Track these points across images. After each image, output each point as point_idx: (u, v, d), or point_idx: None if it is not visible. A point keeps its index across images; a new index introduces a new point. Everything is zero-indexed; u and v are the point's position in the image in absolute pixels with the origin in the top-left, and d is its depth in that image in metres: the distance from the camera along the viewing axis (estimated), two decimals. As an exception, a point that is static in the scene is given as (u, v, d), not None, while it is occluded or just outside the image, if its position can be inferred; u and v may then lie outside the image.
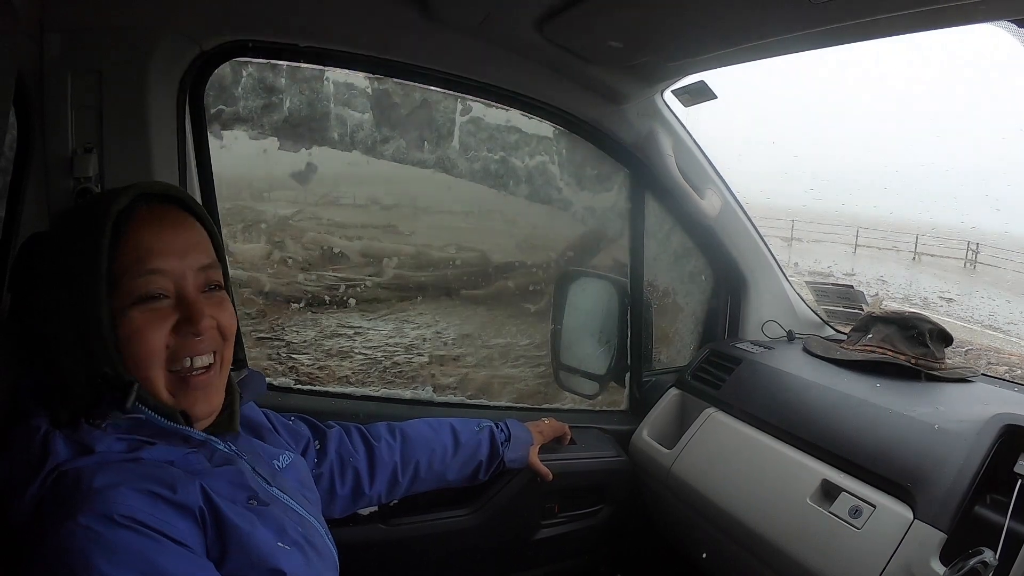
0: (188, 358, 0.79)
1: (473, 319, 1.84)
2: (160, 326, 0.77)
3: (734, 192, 1.69)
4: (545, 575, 1.66)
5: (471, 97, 1.59)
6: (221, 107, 1.45)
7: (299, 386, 1.62)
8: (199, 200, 1.38)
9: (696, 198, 1.61)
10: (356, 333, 2.37)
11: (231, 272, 1.61)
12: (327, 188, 1.62)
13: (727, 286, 1.86)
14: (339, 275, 1.74)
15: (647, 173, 1.66)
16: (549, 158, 1.69)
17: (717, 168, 1.67)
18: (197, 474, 0.78)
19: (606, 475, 1.68)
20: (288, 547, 0.80)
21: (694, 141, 1.65)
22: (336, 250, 1.69)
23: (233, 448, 0.87)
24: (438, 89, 1.54)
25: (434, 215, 1.83)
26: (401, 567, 1.47)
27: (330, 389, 1.61)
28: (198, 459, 0.80)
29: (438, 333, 1.86)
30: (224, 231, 1.58)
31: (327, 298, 1.68)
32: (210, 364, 0.82)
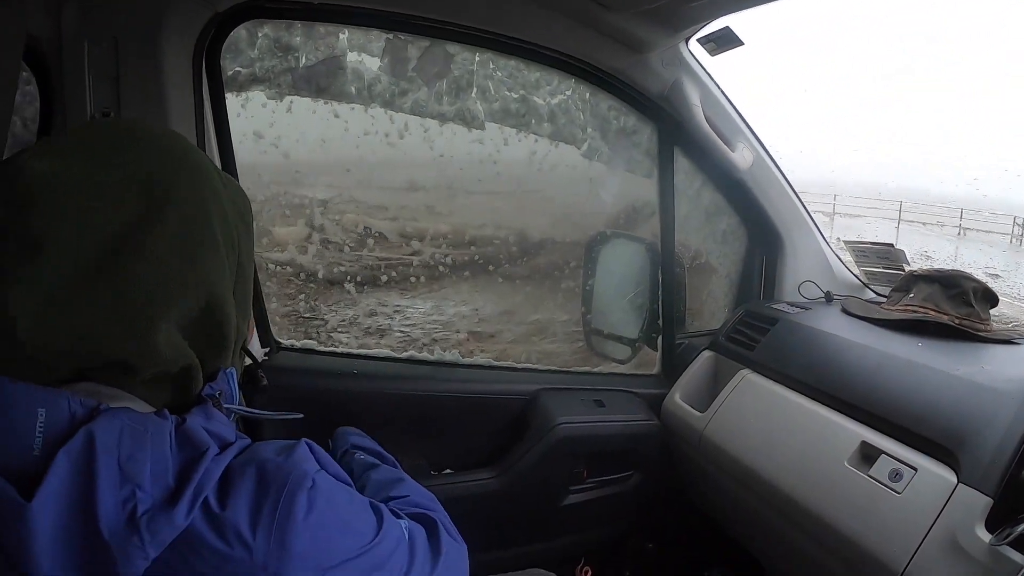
0: None
1: (511, 296, 1.81)
2: None
3: (766, 145, 1.60)
4: (573, 543, 1.63)
5: (490, 51, 1.52)
6: (238, 69, 1.43)
7: (321, 347, 1.61)
8: (218, 163, 1.38)
9: (726, 150, 1.53)
10: (395, 311, 2.37)
11: (271, 255, 1.64)
12: (365, 173, 1.60)
13: (762, 245, 1.79)
14: (377, 255, 1.72)
15: (675, 126, 1.58)
16: (582, 123, 1.64)
17: (748, 120, 1.58)
18: None
19: (637, 439, 1.63)
20: None
21: (722, 92, 1.56)
22: (374, 231, 1.67)
23: None
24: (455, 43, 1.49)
25: (473, 196, 1.79)
26: None
27: (352, 351, 1.60)
28: None
29: (475, 310, 1.84)
30: (263, 215, 1.61)
31: (365, 278, 1.67)
32: None
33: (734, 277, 1.84)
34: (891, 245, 1.64)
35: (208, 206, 0.61)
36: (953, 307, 1.43)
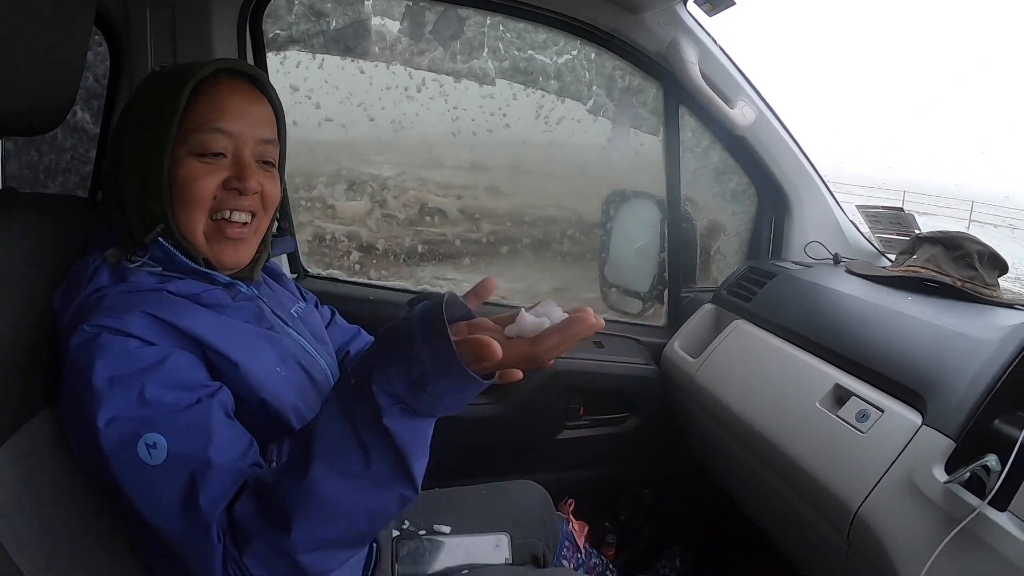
0: (229, 211, 0.86)
1: (565, 274, 1.85)
2: (213, 178, 0.84)
3: (771, 105, 1.58)
4: (570, 480, 1.65)
5: (500, 15, 1.58)
6: (277, 31, 1.55)
7: (344, 277, 1.72)
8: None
9: (724, 107, 1.52)
10: (452, 285, 2.46)
11: (332, 227, 1.76)
12: (429, 152, 1.69)
13: (771, 205, 1.76)
14: (436, 230, 1.79)
15: (678, 85, 1.58)
16: (587, 80, 1.67)
17: (751, 80, 1.57)
18: (218, 307, 0.85)
19: (634, 382, 1.65)
20: (285, 373, 0.86)
21: (723, 51, 1.55)
22: (435, 207, 1.75)
23: (255, 291, 0.95)
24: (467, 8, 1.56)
25: (537, 178, 1.84)
26: None
27: (372, 281, 1.71)
28: (222, 295, 0.88)
29: (530, 286, 1.89)
30: (328, 191, 1.72)
31: (424, 251, 1.76)
32: (247, 222, 0.88)
33: (744, 236, 1.83)
34: (901, 209, 1.59)
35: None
36: (955, 269, 1.37)
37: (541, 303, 0.67)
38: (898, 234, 1.63)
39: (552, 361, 0.64)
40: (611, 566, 1.60)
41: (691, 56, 1.49)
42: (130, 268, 0.83)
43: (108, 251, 0.85)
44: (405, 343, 0.61)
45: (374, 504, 0.67)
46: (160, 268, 0.85)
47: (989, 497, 0.84)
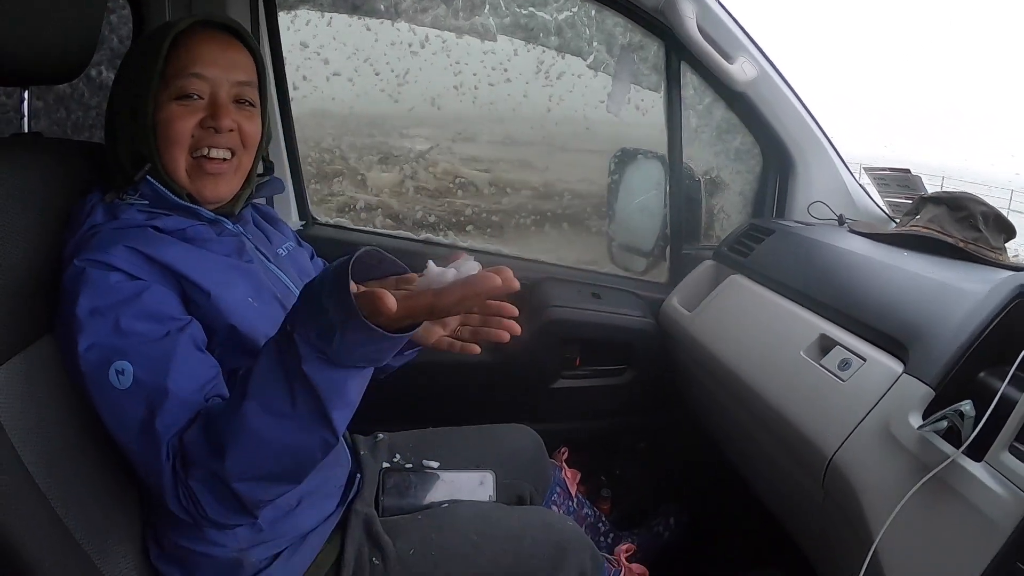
0: (207, 148, 0.92)
1: (595, 246, 1.87)
2: (189, 118, 0.90)
3: (774, 62, 1.56)
4: (565, 431, 1.67)
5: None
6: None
7: (351, 225, 1.77)
8: (269, 65, 1.54)
9: (722, 63, 1.51)
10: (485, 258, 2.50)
11: (365, 198, 1.80)
12: (464, 125, 1.73)
13: (775, 164, 1.74)
14: (467, 202, 1.83)
15: (679, 42, 1.57)
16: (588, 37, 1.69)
17: (753, 37, 1.55)
18: (201, 241, 0.91)
19: (631, 334, 1.66)
20: (258, 305, 0.91)
21: (723, 7, 1.53)
22: (466, 180, 1.79)
23: (241, 229, 1.01)
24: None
25: (571, 153, 1.86)
26: (413, 391, 1.43)
27: (378, 230, 1.76)
28: (207, 231, 0.94)
29: (560, 258, 1.92)
30: (359, 162, 1.78)
31: (453, 221, 1.80)
32: (226, 158, 0.94)
33: (748, 195, 1.82)
34: (907, 171, 1.55)
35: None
36: (959, 230, 1.32)
37: (460, 258, 0.68)
38: (906, 197, 1.59)
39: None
40: (604, 519, 1.61)
41: (689, 12, 1.47)
42: (122, 205, 0.90)
43: (104, 192, 0.92)
44: (317, 295, 0.64)
45: (297, 443, 0.70)
46: (148, 204, 0.91)
47: (965, 445, 0.82)
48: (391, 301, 0.60)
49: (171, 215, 0.91)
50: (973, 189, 1.56)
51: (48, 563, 0.74)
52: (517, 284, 0.62)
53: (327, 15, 1.61)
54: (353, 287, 0.61)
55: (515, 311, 0.93)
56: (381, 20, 1.62)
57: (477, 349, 0.98)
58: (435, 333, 0.99)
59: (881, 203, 1.71)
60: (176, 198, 0.91)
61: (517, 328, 0.92)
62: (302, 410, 0.67)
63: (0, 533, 0.71)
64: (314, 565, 0.99)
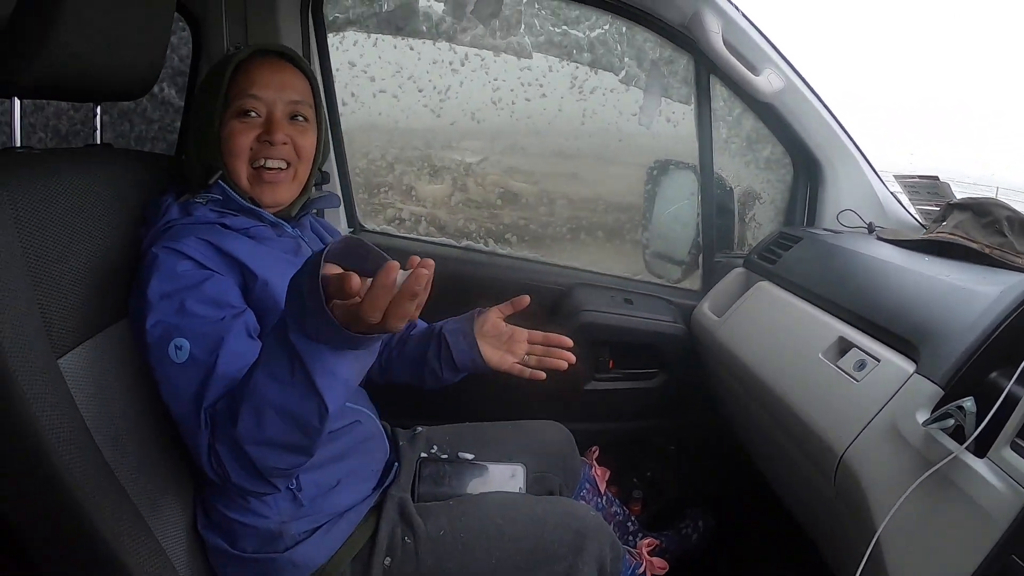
0: (264, 159, 1.05)
1: (640, 259, 1.93)
2: (248, 133, 1.05)
3: (800, 72, 1.59)
4: (597, 431, 1.71)
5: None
6: (337, 15, 1.72)
7: (396, 232, 1.87)
8: (320, 83, 1.65)
9: (748, 75, 1.55)
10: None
11: (414, 209, 1.90)
12: (513, 139, 1.81)
13: (805, 173, 1.77)
14: (515, 213, 1.90)
15: (705, 55, 1.62)
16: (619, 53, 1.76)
17: (779, 48, 1.58)
18: (262, 239, 1.05)
19: (663, 339, 1.70)
20: None
21: (748, 19, 1.57)
22: (514, 192, 1.86)
23: (299, 232, 1.14)
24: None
25: (621, 166, 1.92)
26: (452, 389, 1.32)
27: (421, 237, 1.85)
28: (268, 231, 1.07)
29: (593, 262, 1.97)
30: (409, 174, 1.88)
31: (501, 232, 1.87)
32: (282, 168, 1.07)
33: (780, 204, 1.84)
34: (936, 178, 1.56)
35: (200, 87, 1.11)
36: (984, 235, 1.33)
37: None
38: (935, 204, 1.59)
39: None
40: (632, 518, 1.65)
41: (714, 26, 1.52)
42: (195, 204, 1.03)
43: (179, 193, 1.06)
44: (298, 277, 0.73)
45: (296, 409, 0.76)
46: (219, 203, 1.05)
47: (968, 441, 0.84)
48: (353, 280, 0.67)
49: (238, 215, 1.05)
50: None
51: (109, 525, 0.85)
52: (424, 270, 0.69)
53: (373, 36, 1.73)
54: (337, 270, 0.69)
55: (570, 342, 1.16)
56: (423, 40, 1.73)
57: (542, 375, 1.16)
58: (507, 360, 1.17)
59: (913, 211, 1.71)
60: (242, 200, 1.04)
61: (572, 357, 1.16)
62: (298, 377, 0.74)
63: (72, 500, 0.81)
64: (350, 540, 1.07)
